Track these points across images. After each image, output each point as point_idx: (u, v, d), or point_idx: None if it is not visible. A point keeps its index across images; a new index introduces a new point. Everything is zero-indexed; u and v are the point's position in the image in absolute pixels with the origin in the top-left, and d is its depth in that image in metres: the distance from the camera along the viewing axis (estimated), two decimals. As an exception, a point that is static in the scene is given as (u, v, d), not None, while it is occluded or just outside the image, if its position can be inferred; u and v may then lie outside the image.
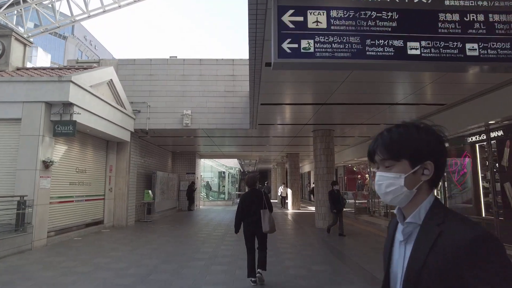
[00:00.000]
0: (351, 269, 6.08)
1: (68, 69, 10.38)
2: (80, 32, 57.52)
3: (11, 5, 13.15)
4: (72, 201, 9.46)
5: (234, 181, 31.16)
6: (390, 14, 3.21)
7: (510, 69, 3.42)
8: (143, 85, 12.14)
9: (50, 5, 15.04)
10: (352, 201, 16.35)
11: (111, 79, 10.59)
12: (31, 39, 13.47)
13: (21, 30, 13.98)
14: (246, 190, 5.55)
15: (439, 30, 3.19)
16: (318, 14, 3.18)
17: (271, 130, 12.93)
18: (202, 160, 24.51)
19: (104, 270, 5.74)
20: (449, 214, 0.95)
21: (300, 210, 19.61)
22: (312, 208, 16.83)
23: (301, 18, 3.17)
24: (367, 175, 16.68)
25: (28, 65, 11.65)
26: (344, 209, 10.23)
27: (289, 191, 20.61)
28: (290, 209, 19.93)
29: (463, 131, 8.25)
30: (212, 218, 14.82)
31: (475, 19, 3.20)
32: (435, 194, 1.03)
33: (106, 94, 10.32)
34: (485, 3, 3.24)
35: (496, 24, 3.18)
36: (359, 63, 3.19)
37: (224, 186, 28.45)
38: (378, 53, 3.15)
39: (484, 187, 7.89)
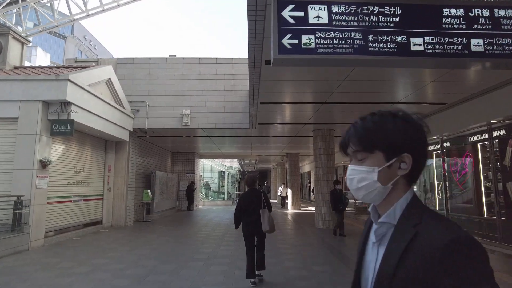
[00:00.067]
0: (351, 269, 5.99)
1: (66, 68, 10.29)
2: (80, 32, 57.50)
3: (9, 3, 13.07)
4: (70, 201, 9.38)
5: (233, 181, 31.08)
6: (393, 9, 3.13)
7: (515, 66, 3.35)
8: (142, 84, 12.06)
9: (48, 4, 14.98)
10: (352, 201, 16.27)
11: (109, 78, 10.51)
12: (30, 38, 13.40)
13: (20, 29, 13.89)
14: (246, 190, 5.52)
15: (443, 26, 3.11)
16: (319, 9, 3.10)
17: (271, 130, 12.85)
18: (201, 160, 24.43)
19: (102, 271, 5.66)
20: (427, 213, 0.84)
21: (300, 210, 19.54)
22: (312, 208, 16.77)
23: (301, 13, 3.09)
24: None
25: (27, 64, 11.59)
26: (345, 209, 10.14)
27: (289, 191, 20.53)
28: (290, 209, 19.86)
29: (464, 130, 8.18)
30: (212, 218, 14.74)
31: (480, 14, 3.12)
32: (414, 191, 0.92)
33: (105, 93, 10.23)
34: (490, -2, 3.17)
35: (502, 19, 3.11)
36: (361, 59, 3.12)
37: (223, 186, 28.36)
38: (381, 49, 3.07)
39: (486, 187, 7.81)
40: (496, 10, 3.12)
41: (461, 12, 3.13)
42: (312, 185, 20.92)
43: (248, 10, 3.99)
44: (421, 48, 3.08)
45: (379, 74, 6.42)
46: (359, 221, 13.75)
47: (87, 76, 9.09)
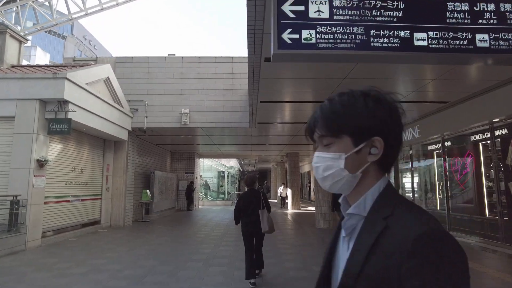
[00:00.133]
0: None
1: (64, 66, 10.21)
2: (79, 31, 57.43)
3: (8, 2, 12.98)
4: (68, 200, 9.29)
5: (233, 181, 30.98)
6: (396, 3, 3.05)
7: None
8: (141, 83, 11.97)
9: (47, 3, 14.88)
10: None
11: (108, 77, 10.42)
12: (29, 37, 13.32)
13: (18, 28, 13.80)
14: (245, 190, 5.47)
15: (448, 20, 3.03)
16: (320, 3, 3.02)
17: (271, 129, 12.77)
18: (201, 159, 24.35)
19: (99, 271, 5.58)
20: (400, 204, 0.74)
21: (300, 210, 19.46)
22: (312, 208, 16.69)
23: (302, 7, 3.01)
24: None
25: (26, 63, 11.51)
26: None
27: (289, 191, 20.45)
28: (290, 209, 19.78)
29: (466, 130, 8.10)
30: (211, 218, 14.66)
31: (486, 9, 3.04)
32: (388, 179, 0.81)
33: (103, 92, 10.15)
34: (495, -8, 3.09)
35: (508, 13, 3.02)
36: (363, 55, 3.04)
37: (222, 186, 28.28)
38: (383, 44, 2.99)
39: (488, 187, 7.74)
40: (502, 4, 3.04)
41: (466, 6, 3.05)
42: (312, 185, 20.83)
43: (248, 6, 3.91)
44: (425, 43, 3.00)
45: (379, 72, 6.34)
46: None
47: (85, 74, 9.00)
